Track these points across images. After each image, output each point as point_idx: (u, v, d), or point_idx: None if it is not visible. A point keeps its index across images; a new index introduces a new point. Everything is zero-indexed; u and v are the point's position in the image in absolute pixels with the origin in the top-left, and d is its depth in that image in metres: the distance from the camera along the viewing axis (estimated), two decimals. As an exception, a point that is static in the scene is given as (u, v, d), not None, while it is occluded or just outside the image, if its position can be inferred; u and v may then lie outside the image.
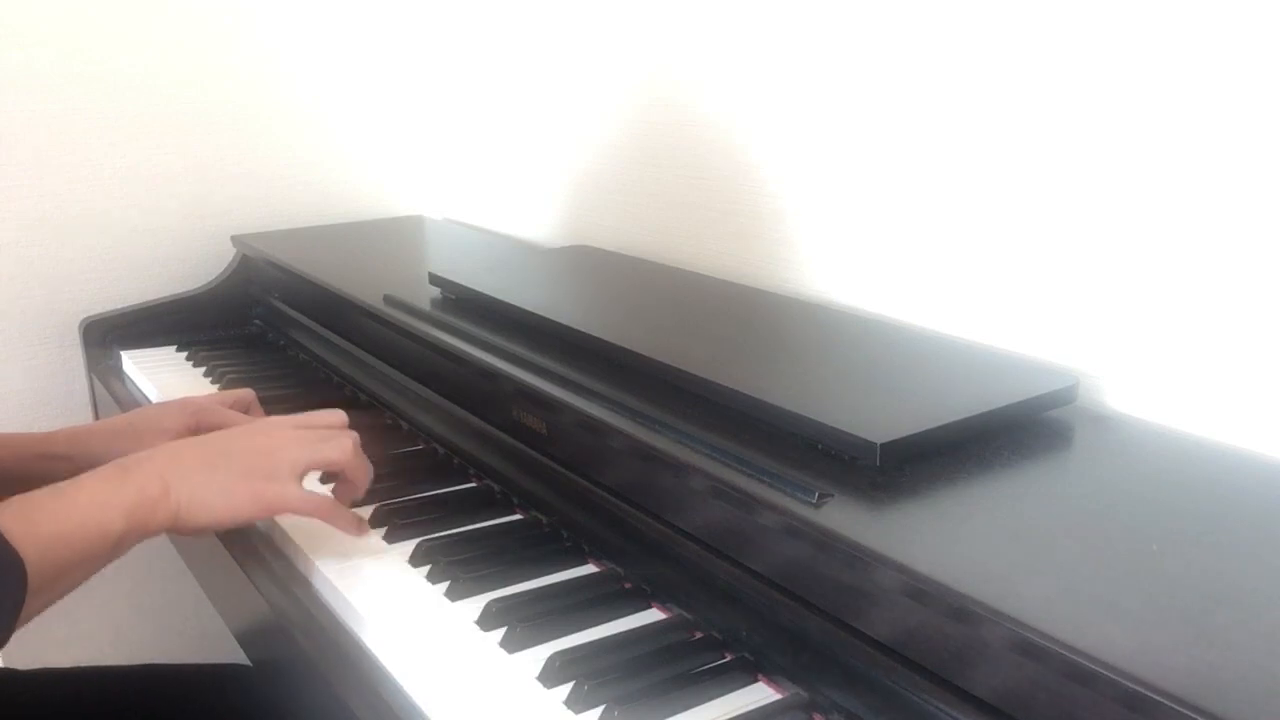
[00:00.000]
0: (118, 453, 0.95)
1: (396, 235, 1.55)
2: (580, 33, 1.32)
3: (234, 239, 1.48)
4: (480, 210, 1.62)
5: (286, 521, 0.88)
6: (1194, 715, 0.44)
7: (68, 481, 0.72)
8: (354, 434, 0.85)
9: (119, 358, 1.37)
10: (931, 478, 0.66)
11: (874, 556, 0.58)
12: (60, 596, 0.70)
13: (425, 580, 0.78)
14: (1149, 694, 0.45)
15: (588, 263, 1.20)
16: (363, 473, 0.85)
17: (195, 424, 1.00)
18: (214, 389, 1.23)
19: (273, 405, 1.14)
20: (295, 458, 0.80)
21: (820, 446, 0.70)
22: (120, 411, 1.21)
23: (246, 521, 0.80)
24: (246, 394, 1.08)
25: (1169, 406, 0.77)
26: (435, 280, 1.13)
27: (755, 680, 0.66)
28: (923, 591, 0.55)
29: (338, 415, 0.88)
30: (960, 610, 0.53)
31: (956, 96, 0.88)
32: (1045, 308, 0.84)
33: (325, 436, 0.83)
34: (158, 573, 1.49)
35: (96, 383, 1.37)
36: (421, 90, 1.66)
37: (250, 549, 0.87)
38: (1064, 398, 0.77)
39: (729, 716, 0.62)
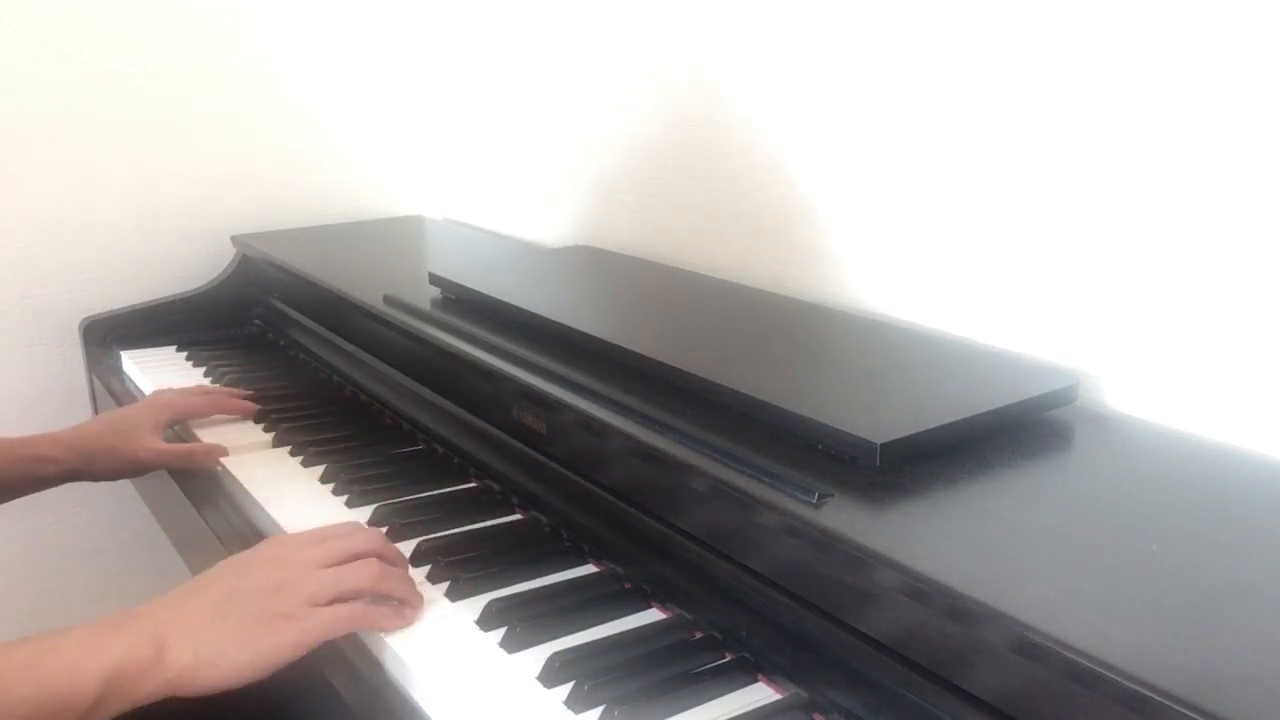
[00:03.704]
0: (99, 454, 1.02)
1: (396, 235, 1.55)
2: (580, 31, 1.32)
3: (234, 239, 1.48)
4: (480, 210, 1.62)
5: (283, 522, 0.88)
6: (1194, 715, 0.44)
7: (51, 632, 0.65)
8: (375, 549, 0.75)
9: (119, 358, 1.37)
10: (931, 478, 0.66)
11: (874, 556, 0.58)
12: None
13: (425, 580, 0.78)
14: (1149, 694, 0.45)
15: (588, 263, 1.20)
16: (406, 591, 0.74)
17: (166, 418, 1.08)
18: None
19: (273, 405, 1.15)
20: (315, 592, 0.70)
21: (820, 446, 0.70)
22: (120, 411, 1.22)
23: (266, 673, 0.69)
24: (215, 389, 1.18)
25: (1169, 406, 0.77)
26: (435, 280, 1.13)
27: (755, 680, 0.66)
28: (923, 591, 0.55)
29: (358, 534, 0.78)
30: (960, 610, 0.53)
31: (957, 97, 0.88)
32: (1045, 308, 0.84)
33: (346, 561, 0.73)
34: (157, 573, 1.49)
35: (97, 383, 1.37)
36: (421, 90, 1.66)
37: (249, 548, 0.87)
38: (1064, 398, 0.77)
39: (729, 716, 0.62)
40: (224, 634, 0.67)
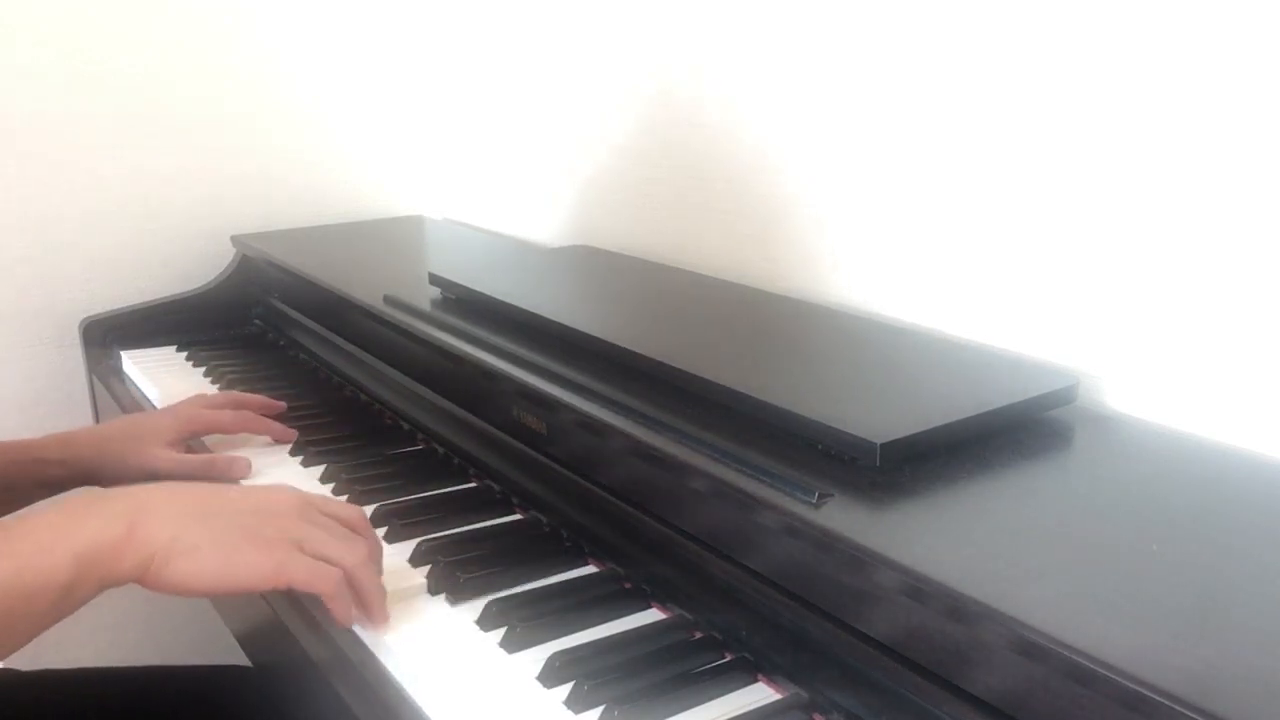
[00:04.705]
0: (109, 458, 0.99)
1: (396, 235, 1.55)
2: (580, 31, 1.32)
3: (234, 239, 1.48)
4: (480, 210, 1.62)
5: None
6: (1194, 715, 0.44)
7: (18, 516, 0.64)
8: (374, 540, 0.75)
9: (119, 358, 1.37)
10: (931, 478, 0.66)
11: (874, 556, 0.58)
12: (4, 653, 0.61)
13: (425, 580, 0.78)
14: (1149, 694, 0.45)
15: (588, 263, 1.20)
16: (375, 592, 0.71)
17: (189, 431, 1.04)
18: (215, 389, 1.23)
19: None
20: (302, 539, 0.69)
21: (820, 446, 0.70)
22: (120, 411, 1.21)
23: (232, 591, 0.68)
24: (241, 396, 1.11)
25: (1169, 406, 0.77)
26: (435, 280, 1.13)
27: (755, 680, 0.66)
28: (923, 591, 0.55)
29: (357, 512, 0.77)
30: (960, 610, 0.53)
31: (956, 97, 0.88)
32: (1045, 308, 0.84)
33: (340, 530, 0.72)
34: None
35: (96, 383, 1.37)
36: (421, 90, 1.66)
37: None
38: (1064, 398, 0.77)
39: (729, 716, 0.62)
40: (206, 534, 0.66)
